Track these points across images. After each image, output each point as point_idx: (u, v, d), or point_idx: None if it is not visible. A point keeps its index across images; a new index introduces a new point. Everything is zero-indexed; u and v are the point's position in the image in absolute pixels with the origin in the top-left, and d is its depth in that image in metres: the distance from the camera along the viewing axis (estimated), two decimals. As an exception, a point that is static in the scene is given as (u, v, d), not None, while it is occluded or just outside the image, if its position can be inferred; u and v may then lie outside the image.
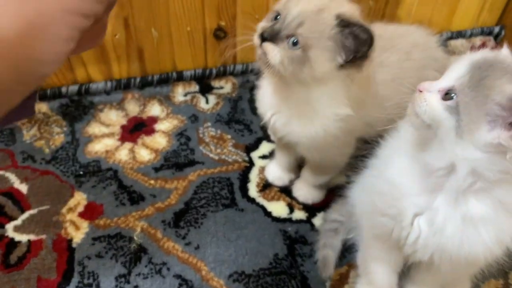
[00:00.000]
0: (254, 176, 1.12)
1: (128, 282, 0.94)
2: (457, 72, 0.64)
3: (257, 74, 1.26)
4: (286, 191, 1.10)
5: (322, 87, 0.82)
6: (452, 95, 0.62)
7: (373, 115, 0.90)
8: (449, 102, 0.62)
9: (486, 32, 1.38)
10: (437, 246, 0.70)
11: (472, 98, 0.61)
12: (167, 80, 1.24)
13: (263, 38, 0.78)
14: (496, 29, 1.38)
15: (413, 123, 0.68)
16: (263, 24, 0.80)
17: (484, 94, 0.60)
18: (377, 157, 0.83)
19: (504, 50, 0.67)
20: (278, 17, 0.79)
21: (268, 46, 0.78)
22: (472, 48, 1.36)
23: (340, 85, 0.83)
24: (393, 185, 0.72)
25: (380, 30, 0.92)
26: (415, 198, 0.70)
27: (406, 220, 0.71)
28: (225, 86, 1.28)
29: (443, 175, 0.66)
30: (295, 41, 0.77)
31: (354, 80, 0.82)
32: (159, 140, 1.18)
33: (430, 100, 0.64)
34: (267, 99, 0.92)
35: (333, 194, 1.06)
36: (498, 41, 1.39)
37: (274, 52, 0.78)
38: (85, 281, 0.94)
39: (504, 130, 0.58)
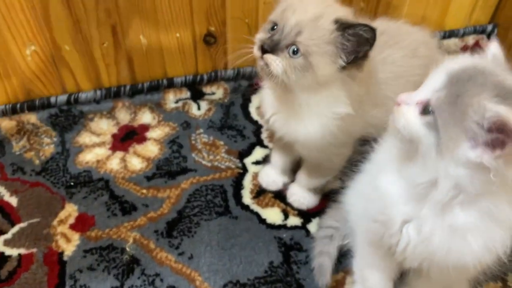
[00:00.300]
0: (247, 182, 1.11)
1: (121, 294, 0.92)
2: (434, 83, 0.62)
3: (249, 79, 1.25)
4: (280, 197, 1.08)
5: (324, 91, 0.84)
6: (430, 109, 0.61)
7: (374, 114, 0.89)
8: (427, 118, 0.61)
9: (479, 30, 1.37)
10: (425, 254, 0.69)
11: (450, 115, 0.58)
12: (158, 87, 1.23)
13: (264, 50, 0.80)
14: (489, 28, 1.37)
15: (395, 136, 0.66)
16: (261, 36, 0.82)
17: (462, 111, 0.58)
18: (370, 161, 0.82)
19: (493, 46, 0.65)
20: (275, 27, 0.81)
21: (270, 57, 0.80)
22: (465, 47, 1.35)
23: (341, 86, 0.83)
24: (382, 192, 0.71)
25: (383, 26, 0.92)
26: (403, 206, 0.69)
27: (395, 227, 0.70)
28: (217, 91, 1.26)
29: (426, 187, 0.65)
30: (295, 49, 0.79)
31: (355, 79, 0.83)
32: (151, 148, 1.17)
33: (407, 115, 0.62)
34: (268, 99, 0.94)
35: (327, 199, 1.04)
36: (491, 39, 1.37)
37: (276, 62, 0.80)
38: (77, 295, 0.92)
39: (487, 150, 0.56)
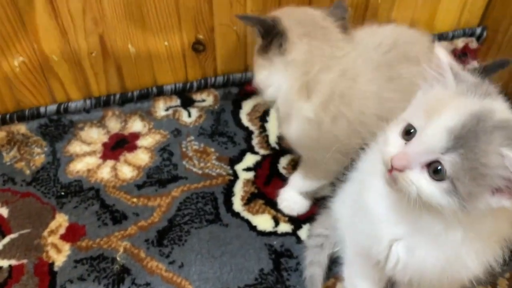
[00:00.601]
0: (238, 189, 1.11)
1: (112, 305, 0.93)
2: (433, 140, 0.57)
3: (239, 85, 1.26)
4: (271, 203, 1.09)
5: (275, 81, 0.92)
6: (438, 167, 0.56)
7: (370, 129, 0.88)
8: (444, 185, 0.57)
9: (468, 33, 1.37)
10: (417, 272, 0.68)
11: (470, 178, 0.55)
12: (148, 95, 1.23)
13: None
14: (478, 30, 1.37)
15: (398, 193, 0.62)
16: None
17: (482, 171, 0.55)
18: (357, 170, 0.82)
19: (439, 53, 0.64)
20: None
21: None
22: (455, 50, 1.35)
23: (284, 74, 0.90)
24: (368, 208, 0.70)
25: (391, 37, 0.93)
26: (392, 226, 0.67)
27: (383, 244, 0.69)
28: (207, 98, 1.26)
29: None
30: None
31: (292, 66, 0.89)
32: (142, 157, 1.17)
33: (419, 183, 0.58)
34: None
35: (317, 205, 1.05)
36: (481, 42, 1.38)
37: None
38: (68, 306, 0.92)
39: (506, 194, 0.55)
